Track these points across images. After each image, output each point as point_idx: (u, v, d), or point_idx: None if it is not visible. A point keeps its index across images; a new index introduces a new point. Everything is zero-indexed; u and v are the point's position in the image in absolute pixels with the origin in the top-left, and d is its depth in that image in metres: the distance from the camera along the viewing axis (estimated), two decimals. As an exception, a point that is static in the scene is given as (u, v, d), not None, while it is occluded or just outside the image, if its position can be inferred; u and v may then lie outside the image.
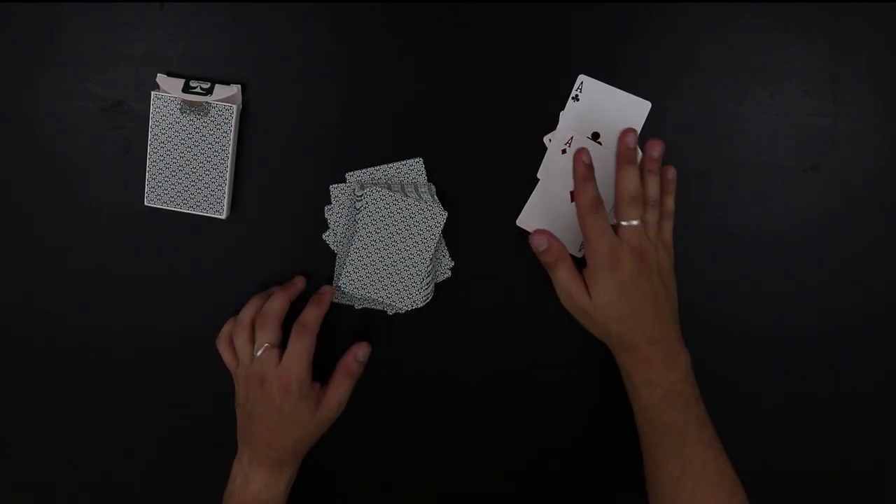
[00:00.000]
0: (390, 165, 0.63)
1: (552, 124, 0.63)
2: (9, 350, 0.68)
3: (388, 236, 0.62)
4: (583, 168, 0.58)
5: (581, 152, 0.58)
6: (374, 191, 0.62)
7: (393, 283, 0.63)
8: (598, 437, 0.67)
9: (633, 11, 0.62)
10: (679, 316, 0.60)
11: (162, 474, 0.70)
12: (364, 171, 0.64)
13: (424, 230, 0.62)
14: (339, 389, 0.63)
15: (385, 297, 0.63)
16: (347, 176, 0.64)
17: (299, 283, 0.65)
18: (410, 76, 0.63)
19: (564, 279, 0.59)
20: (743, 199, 0.63)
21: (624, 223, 0.58)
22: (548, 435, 0.67)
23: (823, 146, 0.63)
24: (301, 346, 0.60)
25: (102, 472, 0.70)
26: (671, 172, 0.60)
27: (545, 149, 0.63)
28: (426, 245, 0.62)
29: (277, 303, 0.62)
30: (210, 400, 0.68)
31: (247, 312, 0.63)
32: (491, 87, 0.63)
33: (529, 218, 0.64)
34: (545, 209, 0.63)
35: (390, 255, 0.62)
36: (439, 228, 0.62)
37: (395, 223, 0.62)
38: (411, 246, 0.62)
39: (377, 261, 0.63)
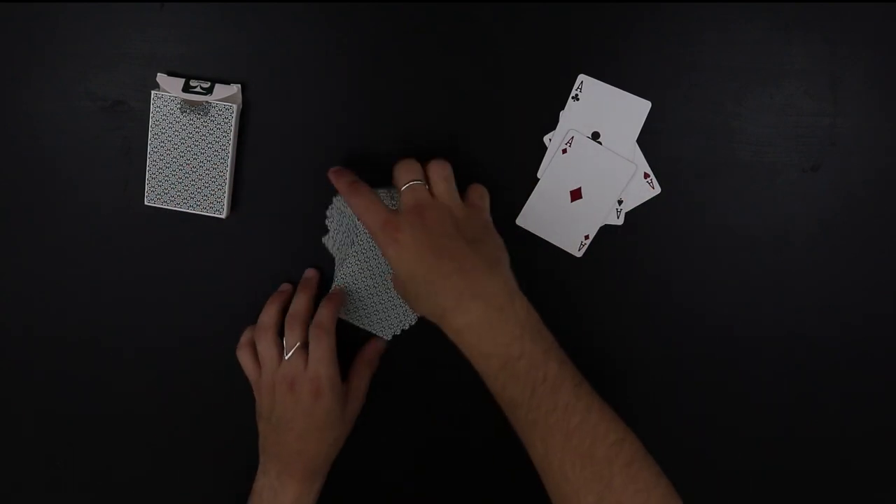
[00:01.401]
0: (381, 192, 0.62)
1: (552, 124, 0.63)
2: (8, 350, 0.68)
3: (377, 270, 0.63)
4: (334, 175, 0.58)
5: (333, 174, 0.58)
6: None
7: (377, 312, 0.64)
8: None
9: (633, 11, 0.62)
10: (514, 270, 0.56)
11: (161, 473, 0.70)
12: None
13: None
14: (363, 381, 0.63)
15: (368, 325, 0.64)
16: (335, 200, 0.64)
17: (313, 277, 0.64)
18: (410, 76, 0.63)
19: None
20: (743, 199, 0.63)
21: (403, 188, 0.55)
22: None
23: (823, 146, 0.63)
24: (323, 348, 0.59)
25: (101, 472, 0.70)
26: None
27: (545, 149, 0.63)
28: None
29: (302, 303, 0.61)
30: (210, 400, 0.68)
31: (268, 316, 0.62)
32: (491, 87, 0.63)
33: (529, 218, 0.64)
34: (545, 209, 0.63)
35: (376, 286, 0.63)
36: None
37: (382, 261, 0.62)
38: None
39: (363, 289, 0.63)
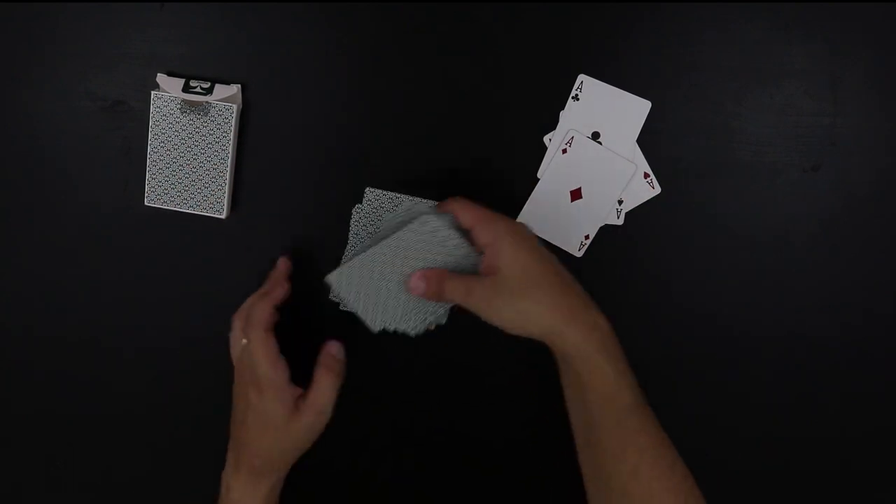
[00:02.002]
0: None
1: (552, 124, 0.63)
2: (8, 350, 0.68)
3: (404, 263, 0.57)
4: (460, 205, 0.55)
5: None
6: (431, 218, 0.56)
7: (388, 307, 0.58)
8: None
9: (633, 11, 0.62)
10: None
11: (161, 473, 0.70)
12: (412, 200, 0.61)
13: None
14: (322, 394, 0.56)
15: (369, 314, 0.58)
16: (406, 199, 0.61)
17: (283, 271, 0.62)
18: (410, 76, 0.63)
19: (459, 287, 0.53)
20: (743, 199, 0.63)
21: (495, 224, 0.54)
22: (549, 437, 0.67)
23: (823, 146, 0.63)
24: (258, 347, 0.55)
25: (101, 472, 0.70)
26: None
27: (545, 149, 0.63)
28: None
29: (253, 298, 0.59)
30: (210, 399, 0.68)
31: (245, 303, 0.60)
32: (491, 87, 0.63)
33: (529, 218, 0.64)
34: (545, 209, 0.63)
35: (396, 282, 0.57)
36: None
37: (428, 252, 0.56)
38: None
39: (379, 280, 0.57)
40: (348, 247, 0.63)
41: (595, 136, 0.63)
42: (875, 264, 0.64)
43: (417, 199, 0.60)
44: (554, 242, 0.64)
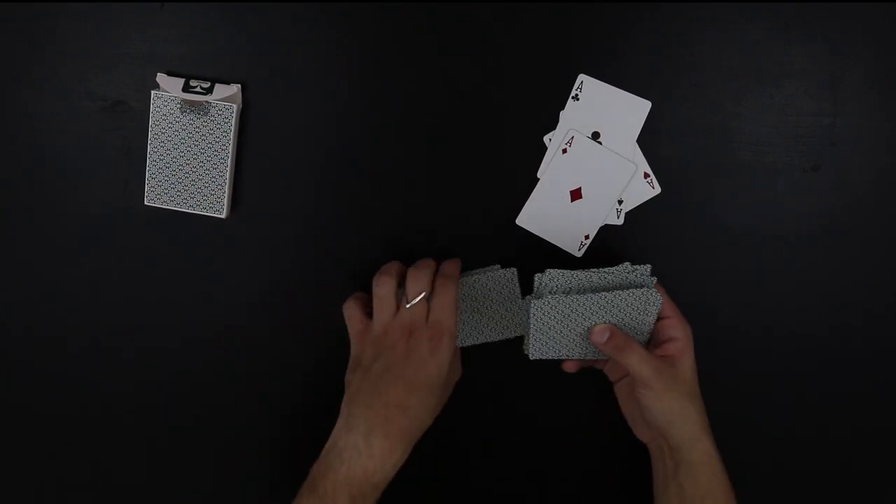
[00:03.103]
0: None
1: (552, 124, 0.63)
2: (8, 350, 0.68)
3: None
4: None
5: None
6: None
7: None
8: (610, 450, 0.67)
9: (633, 11, 0.62)
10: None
11: (161, 473, 0.70)
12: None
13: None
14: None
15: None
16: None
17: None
18: (410, 76, 0.63)
19: (647, 360, 0.56)
20: (743, 199, 0.63)
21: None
22: (548, 440, 0.67)
23: (823, 146, 0.63)
24: (450, 298, 0.56)
25: (101, 472, 0.70)
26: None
27: (545, 149, 0.63)
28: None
29: (429, 260, 0.60)
30: (210, 400, 0.68)
31: (391, 265, 0.59)
32: (491, 87, 0.63)
33: (529, 218, 0.64)
34: (545, 209, 0.63)
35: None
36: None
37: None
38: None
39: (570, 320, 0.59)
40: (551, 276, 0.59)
41: (595, 135, 0.63)
42: (875, 264, 0.64)
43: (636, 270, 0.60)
44: (554, 242, 0.64)
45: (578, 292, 0.58)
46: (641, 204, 0.63)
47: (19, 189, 0.66)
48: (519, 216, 0.64)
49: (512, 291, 0.63)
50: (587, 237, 0.64)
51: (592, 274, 0.58)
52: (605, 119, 0.62)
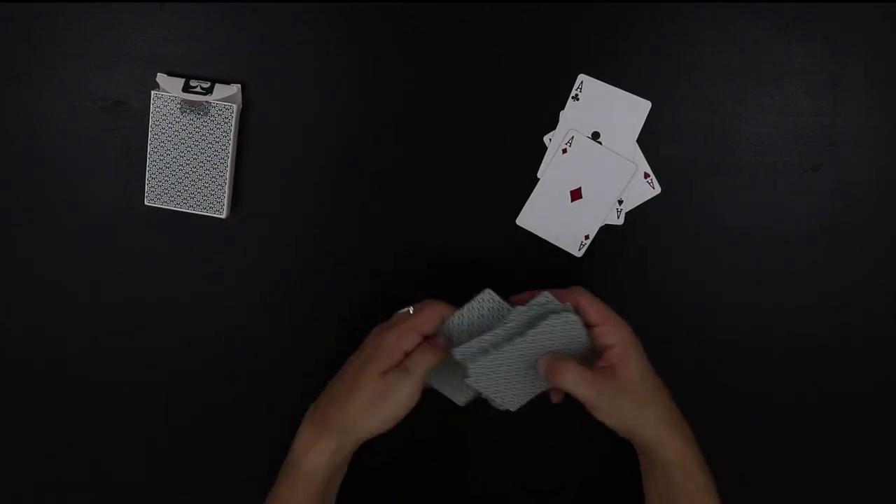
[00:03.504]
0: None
1: (552, 124, 0.63)
2: (8, 350, 0.68)
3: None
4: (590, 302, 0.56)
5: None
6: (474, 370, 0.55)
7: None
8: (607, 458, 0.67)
9: (633, 11, 0.62)
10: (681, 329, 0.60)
11: (161, 473, 0.70)
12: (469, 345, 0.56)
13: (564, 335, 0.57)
14: (409, 359, 0.56)
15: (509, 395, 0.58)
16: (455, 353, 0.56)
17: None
18: (410, 76, 0.63)
19: (583, 379, 0.54)
20: (743, 199, 0.63)
21: (608, 325, 0.56)
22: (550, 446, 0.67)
23: (823, 146, 0.63)
24: (426, 359, 0.55)
25: (101, 472, 0.70)
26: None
27: (545, 149, 0.63)
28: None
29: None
30: (210, 400, 0.68)
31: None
32: (491, 87, 0.63)
33: (529, 218, 0.64)
34: (545, 209, 0.63)
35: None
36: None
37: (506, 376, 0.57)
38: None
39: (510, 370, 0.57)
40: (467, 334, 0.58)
41: (595, 135, 0.63)
42: (875, 264, 0.64)
43: (542, 302, 0.57)
44: (554, 242, 0.64)
45: (499, 341, 0.56)
46: (641, 204, 0.63)
47: (19, 189, 0.66)
48: (519, 216, 0.64)
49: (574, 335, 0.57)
50: (587, 237, 0.64)
51: (510, 315, 0.56)
52: (605, 119, 0.62)
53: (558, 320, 0.55)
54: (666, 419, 0.56)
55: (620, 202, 0.63)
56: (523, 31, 0.62)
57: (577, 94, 0.62)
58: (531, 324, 0.55)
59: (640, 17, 0.62)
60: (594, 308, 0.56)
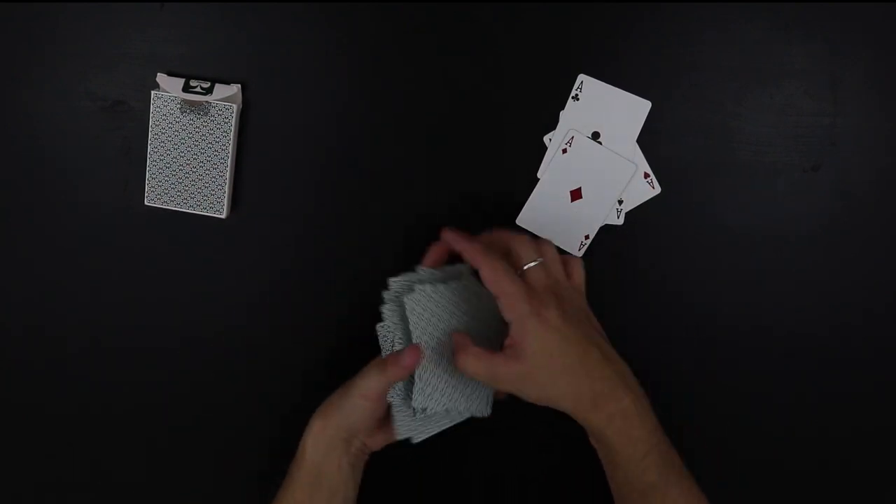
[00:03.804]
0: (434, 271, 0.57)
1: (552, 124, 0.63)
2: (8, 350, 0.68)
3: (442, 334, 0.55)
4: (457, 240, 0.53)
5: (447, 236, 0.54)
6: (410, 300, 0.54)
7: (465, 388, 0.56)
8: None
9: (633, 11, 0.62)
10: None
11: (161, 473, 0.70)
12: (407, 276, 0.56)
13: (482, 306, 0.56)
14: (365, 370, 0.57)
15: (460, 405, 0.56)
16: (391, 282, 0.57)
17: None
18: (410, 76, 0.63)
19: (485, 365, 0.51)
20: (743, 199, 0.63)
21: (526, 267, 0.52)
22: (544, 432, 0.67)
23: (823, 146, 0.63)
24: (370, 371, 0.56)
25: (101, 472, 0.70)
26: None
27: (545, 149, 0.63)
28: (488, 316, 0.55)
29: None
30: (210, 400, 0.68)
31: None
32: (491, 87, 0.63)
33: (529, 218, 0.64)
34: (545, 209, 0.63)
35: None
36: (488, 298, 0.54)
37: (443, 317, 0.55)
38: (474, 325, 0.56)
39: (445, 366, 0.55)
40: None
41: (595, 136, 0.63)
42: (875, 264, 0.64)
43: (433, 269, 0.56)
44: (554, 242, 0.64)
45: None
46: (641, 204, 0.63)
47: (19, 189, 0.66)
48: (519, 216, 0.64)
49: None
50: (587, 237, 0.64)
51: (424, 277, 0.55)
52: (605, 119, 0.62)
53: (465, 287, 0.53)
54: (579, 396, 0.51)
55: (620, 202, 0.63)
56: (523, 31, 0.62)
57: (577, 94, 0.62)
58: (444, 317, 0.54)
59: (640, 17, 0.62)
60: (492, 282, 0.51)
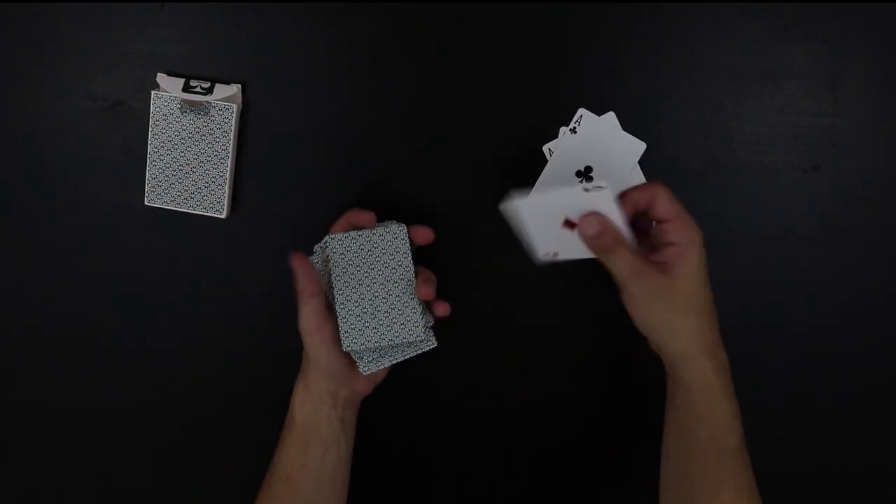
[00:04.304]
0: (371, 232, 0.59)
1: (552, 124, 0.63)
2: (8, 350, 0.68)
3: (363, 277, 0.58)
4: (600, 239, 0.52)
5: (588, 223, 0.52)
6: (333, 238, 0.58)
7: (390, 322, 0.58)
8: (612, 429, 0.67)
9: (633, 11, 0.62)
10: None
11: (161, 473, 0.70)
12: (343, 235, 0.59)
13: (395, 254, 0.58)
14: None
15: (388, 340, 0.58)
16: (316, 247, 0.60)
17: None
18: (410, 76, 0.63)
19: (628, 262, 0.51)
20: (743, 199, 0.63)
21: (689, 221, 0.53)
22: (552, 424, 0.67)
23: (823, 146, 0.63)
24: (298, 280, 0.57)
25: (101, 472, 0.70)
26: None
27: (548, 148, 0.63)
28: (403, 268, 0.58)
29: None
30: (210, 400, 0.68)
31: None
32: (491, 88, 0.63)
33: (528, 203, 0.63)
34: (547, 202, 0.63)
35: (375, 295, 0.58)
36: (406, 244, 0.58)
37: (364, 261, 0.58)
38: (389, 275, 0.58)
39: (365, 306, 0.58)
40: None
41: (587, 170, 0.62)
42: (875, 264, 0.64)
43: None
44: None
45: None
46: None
47: (19, 189, 0.66)
48: (527, 199, 0.63)
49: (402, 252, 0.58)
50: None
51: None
52: (599, 155, 0.61)
53: (599, 193, 0.51)
54: (700, 336, 0.52)
55: None
56: (523, 32, 0.62)
57: (574, 128, 0.62)
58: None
59: (640, 17, 0.62)
60: (667, 204, 0.52)
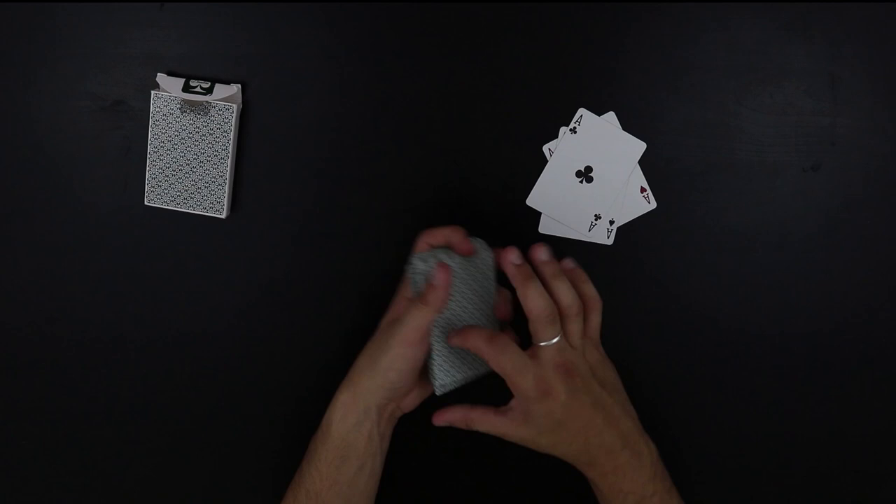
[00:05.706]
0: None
1: (552, 124, 0.63)
2: (8, 350, 0.68)
3: (458, 301, 0.57)
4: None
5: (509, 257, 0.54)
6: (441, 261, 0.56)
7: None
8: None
9: (633, 12, 0.62)
10: (627, 389, 0.58)
11: (161, 473, 0.70)
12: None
13: (483, 280, 0.58)
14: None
15: (477, 372, 0.58)
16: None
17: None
18: (410, 77, 0.63)
19: (492, 427, 0.56)
20: (743, 199, 0.63)
21: (542, 344, 0.54)
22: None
23: (823, 146, 0.63)
24: (415, 309, 0.56)
25: (102, 472, 0.70)
26: (569, 263, 0.57)
27: (548, 148, 0.63)
28: (487, 292, 0.58)
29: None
30: (210, 400, 0.68)
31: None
32: (491, 88, 0.63)
33: (539, 198, 0.63)
34: (555, 189, 0.63)
35: (464, 321, 0.57)
36: (493, 270, 0.58)
37: (457, 287, 0.57)
38: (478, 302, 0.58)
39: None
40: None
41: (587, 169, 0.63)
42: (875, 264, 0.64)
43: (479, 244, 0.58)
44: (564, 223, 0.64)
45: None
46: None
47: (19, 189, 0.66)
48: (529, 197, 0.64)
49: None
50: (597, 217, 0.63)
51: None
52: (599, 155, 0.62)
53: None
54: (576, 453, 0.55)
55: (612, 222, 0.63)
56: (523, 32, 0.62)
57: (574, 128, 0.62)
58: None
59: (640, 17, 0.62)
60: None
